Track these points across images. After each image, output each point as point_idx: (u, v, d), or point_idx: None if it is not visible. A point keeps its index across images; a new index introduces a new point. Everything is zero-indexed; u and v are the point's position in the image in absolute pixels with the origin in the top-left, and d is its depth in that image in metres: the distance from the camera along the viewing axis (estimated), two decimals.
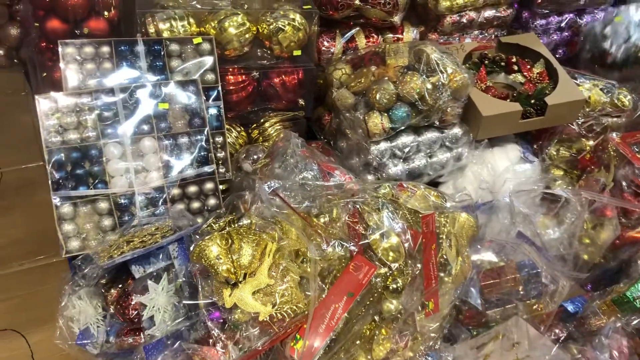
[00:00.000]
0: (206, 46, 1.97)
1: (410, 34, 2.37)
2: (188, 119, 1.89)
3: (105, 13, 1.89)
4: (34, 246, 2.03)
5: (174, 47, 1.93)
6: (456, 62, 2.11)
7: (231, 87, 2.08)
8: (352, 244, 1.29)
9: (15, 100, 2.57)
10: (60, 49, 1.79)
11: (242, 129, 2.23)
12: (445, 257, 1.44)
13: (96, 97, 1.78)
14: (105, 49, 1.85)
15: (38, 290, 2.01)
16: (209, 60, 1.97)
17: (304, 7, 2.12)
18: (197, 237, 1.38)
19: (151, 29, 1.97)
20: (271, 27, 2.07)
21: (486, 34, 2.52)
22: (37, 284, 2.01)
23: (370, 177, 2.17)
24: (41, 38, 1.91)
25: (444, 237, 1.42)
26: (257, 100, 2.20)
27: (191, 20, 2.02)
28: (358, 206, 1.36)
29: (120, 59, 1.86)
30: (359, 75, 2.09)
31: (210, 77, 1.97)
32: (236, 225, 1.38)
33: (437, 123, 2.14)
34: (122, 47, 1.87)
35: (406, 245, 1.33)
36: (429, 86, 2.02)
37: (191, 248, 1.36)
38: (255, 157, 2.07)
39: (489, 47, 2.45)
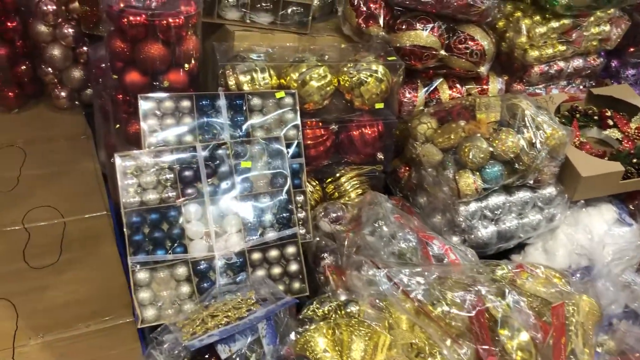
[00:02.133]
0: (288, 100, 1.87)
1: (496, 84, 2.23)
2: (270, 177, 1.77)
3: (186, 65, 1.80)
4: (100, 305, 1.91)
5: (256, 101, 1.83)
6: (553, 118, 1.96)
7: (309, 142, 1.97)
8: (483, 346, 1.14)
9: (76, 144, 2.50)
10: (140, 104, 1.70)
11: (317, 183, 2.11)
12: (573, 349, 1.27)
13: (177, 154, 1.68)
14: (186, 103, 1.76)
15: (105, 355, 1.89)
16: (290, 115, 1.86)
17: (389, 58, 2.00)
18: (300, 327, 1.23)
19: (231, 82, 1.88)
20: (353, 79, 1.96)
21: (574, 85, 2.37)
22: (105, 348, 1.89)
23: (455, 239, 2.01)
24: (118, 90, 1.83)
25: (572, 327, 1.26)
26: (333, 153, 2.08)
27: (271, 72, 1.92)
28: (481, 293, 1.21)
29: (201, 113, 1.77)
30: (447, 131, 1.95)
31: (292, 132, 1.86)
32: (343, 312, 1.24)
33: (531, 182, 1.98)
34: (203, 102, 1.77)
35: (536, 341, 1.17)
36: (526, 144, 1.87)
37: (292, 336, 1.22)
38: (333, 215, 1.94)
39: (578, 98, 2.29)
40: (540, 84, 2.31)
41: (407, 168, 2.25)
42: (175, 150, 1.68)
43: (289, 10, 2.08)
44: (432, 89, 2.18)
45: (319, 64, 1.94)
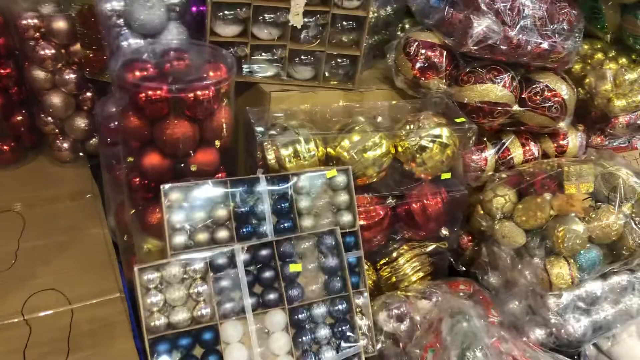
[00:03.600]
0: (341, 179, 1.53)
1: (575, 140, 1.89)
2: (324, 280, 1.44)
3: (217, 142, 1.48)
4: None
5: (303, 182, 1.50)
6: None
7: (362, 222, 1.63)
8: None
9: (82, 205, 2.17)
10: (163, 196, 1.37)
11: (369, 265, 1.78)
12: None
13: (211, 259, 1.35)
14: (219, 190, 1.43)
15: None
16: (343, 197, 1.53)
17: (456, 120, 1.67)
18: None
19: (270, 156, 1.55)
20: (413, 145, 1.63)
21: None
22: None
23: (539, 332, 1.68)
24: (133, 172, 1.50)
25: None
26: (389, 230, 1.74)
27: (318, 141, 1.59)
28: None
29: (238, 202, 1.43)
30: (531, 207, 1.62)
31: (346, 218, 1.52)
32: None
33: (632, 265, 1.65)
34: (240, 188, 1.44)
35: None
36: (632, 224, 1.54)
37: None
38: (395, 312, 1.61)
39: None
40: (624, 135, 1.98)
41: (471, 238, 1.92)
42: (208, 253, 1.35)
43: (333, 63, 1.75)
44: (502, 148, 1.85)
45: (373, 129, 1.61)
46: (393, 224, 1.72)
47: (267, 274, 1.38)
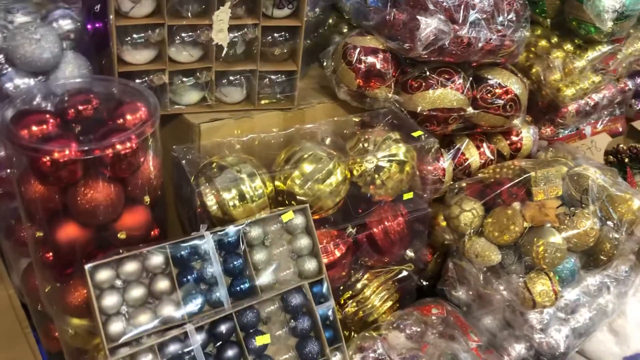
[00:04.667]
0: (298, 220, 1.32)
1: (529, 135, 1.79)
2: (296, 344, 1.24)
3: (146, 199, 1.21)
4: None
5: (256, 231, 1.27)
6: (621, 184, 1.55)
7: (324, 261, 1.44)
8: None
9: None
10: (88, 279, 1.10)
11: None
12: None
13: (160, 346, 1.11)
14: (157, 259, 1.17)
15: None
16: (304, 241, 1.32)
17: (414, 134, 1.50)
18: None
19: (211, 202, 1.31)
20: (369, 167, 1.45)
21: (602, 117, 1.98)
22: None
23: (520, 347, 1.58)
24: (45, 247, 1.21)
25: None
26: (350, 262, 1.56)
27: (264, 177, 1.37)
28: None
29: (182, 270, 1.19)
30: (501, 220, 1.48)
31: (310, 266, 1.32)
32: None
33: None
34: (182, 252, 1.19)
35: None
36: (606, 230, 1.45)
37: None
38: (372, 355, 1.44)
39: (616, 133, 1.90)
40: (573, 124, 1.90)
41: (432, 251, 1.79)
42: (156, 338, 1.11)
43: (266, 81, 1.51)
44: (457, 154, 1.71)
45: (325, 154, 1.41)
46: (355, 253, 1.54)
47: (230, 352, 1.16)
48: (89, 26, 1.47)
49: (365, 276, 1.62)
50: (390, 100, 1.59)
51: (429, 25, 1.45)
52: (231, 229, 1.25)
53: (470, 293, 1.67)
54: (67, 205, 1.13)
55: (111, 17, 1.28)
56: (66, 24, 1.32)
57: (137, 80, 1.39)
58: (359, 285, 1.61)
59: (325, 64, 1.64)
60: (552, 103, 1.84)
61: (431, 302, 1.66)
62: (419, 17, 1.45)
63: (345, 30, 1.94)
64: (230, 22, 1.36)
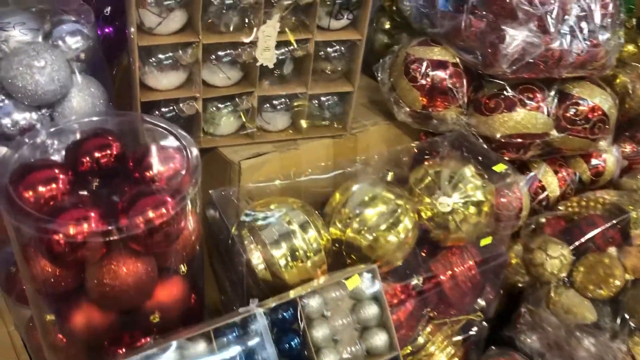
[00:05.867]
0: (366, 284, 1.08)
1: (612, 156, 1.54)
2: None
3: (183, 268, 0.97)
4: None
5: (315, 301, 1.03)
6: None
7: None
8: None
9: None
10: None
11: None
12: None
13: None
14: (198, 347, 0.93)
15: None
16: (371, 309, 1.08)
17: (495, 168, 1.25)
18: None
19: (257, 261, 1.07)
20: (442, 211, 1.20)
21: None
22: None
23: None
24: (56, 330, 0.97)
25: None
26: (417, 320, 1.33)
27: (318, 224, 1.12)
28: None
29: (229, 355, 0.95)
30: (596, 270, 1.25)
31: (380, 340, 1.08)
32: None
33: None
34: (230, 336, 0.96)
35: None
36: None
37: None
38: None
39: None
40: None
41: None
42: None
43: (315, 102, 1.26)
44: (534, 181, 1.46)
45: (391, 196, 1.16)
46: (421, 308, 1.31)
47: None
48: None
49: (428, 329, 1.39)
50: (460, 122, 1.33)
51: (517, 37, 1.19)
52: (286, 301, 1.01)
53: (547, 342, 1.44)
54: (86, 287, 0.89)
55: (132, 33, 1.01)
56: (75, 42, 1.05)
57: (163, 109, 1.13)
58: (420, 340, 1.38)
59: (380, 78, 1.38)
60: (635, 118, 1.59)
61: (500, 354, 1.44)
62: (504, 27, 1.19)
63: (387, 27, 1.68)
64: (278, 37, 1.10)
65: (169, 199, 0.87)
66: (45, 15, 1.08)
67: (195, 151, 0.94)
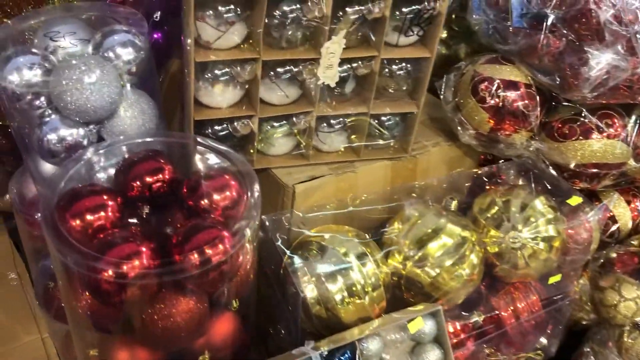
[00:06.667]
0: (429, 326, 1.00)
1: None
2: None
3: (234, 304, 0.90)
4: None
5: (374, 346, 0.95)
6: None
7: None
8: None
9: (4, 295, 1.56)
10: None
11: None
12: None
13: None
14: None
15: None
16: (433, 354, 1.00)
17: (569, 201, 1.15)
18: None
19: (311, 294, 0.99)
20: (512, 246, 1.11)
21: None
22: None
23: None
24: None
25: None
26: (474, 354, 1.24)
27: (376, 255, 1.04)
28: None
29: None
30: None
31: None
32: None
33: None
34: None
35: None
36: None
37: None
38: None
39: None
40: None
41: None
42: None
43: (375, 121, 1.17)
44: (604, 212, 1.35)
45: (457, 229, 1.07)
46: (481, 348, 1.22)
47: None
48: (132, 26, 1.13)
49: None
50: (530, 147, 1.23)
51: (601, 60, 1.08)
52: (343, 344, 0.93)
53: None
54: (133, 324, 0.82)
55: (189, 47, 0.94)
56: (127, 54, 0.98)
57: (216, 127, 1.06)
58: None
59: (443, 96, 1.28)
60: None
61: None
62: (587, 48, 1.08)
63: (444, 36, 1.59)
64: (342, 54, 1.01)
65: (227, 234, 0.79)
66: (95, 24, 1.01)
67: (254, 180, 0.87)
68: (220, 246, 0.78)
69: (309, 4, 0.95)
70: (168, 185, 0.88)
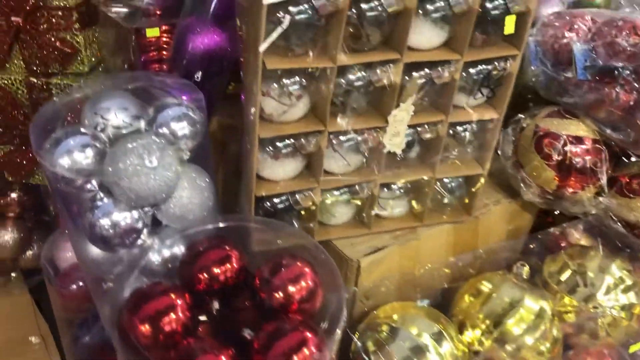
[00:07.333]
0: None
1: None
2: None
3: None
4: None
5: None
6: None
7: None
8: None
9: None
10: None
11: None
12: None
13: None
14: None
15: None
16: None
17: None
18: None
19: None
20: (591, 314, 1.04)
21: None
22: None
23: None
24: None
25: None
26: None
27: (452, 332, 0.96)
28: None
29: None
30: None
31: None
32: None
33: None
34: None
35: None
36: None
37: None
38: None
39: None
40: None
41: None
42: None
43: (438, 185, 1.10)
44: None
45: (534, 303, 0.99)
46: None
47: None
48: (184, 97, 1.07)
49: None
50: (598, 205, 1.16)
51: None
52: None
53: None
54: None
55: (253, 123, 0.87)
56: (181, 129, 0.91)
57: (275, 200, 0.99)
58: None
59: (501, 151, 1.22)
60: None
61: None
62: None
63: None
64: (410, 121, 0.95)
65: (310, 336, 0.72)
66: (146, 98, 0.95)
67: (333, 269, 0.80)
68: (306, 351, 0.70)
69: (378, 71, 0.88)
70: (237, 276, 0.81)
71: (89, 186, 0.88)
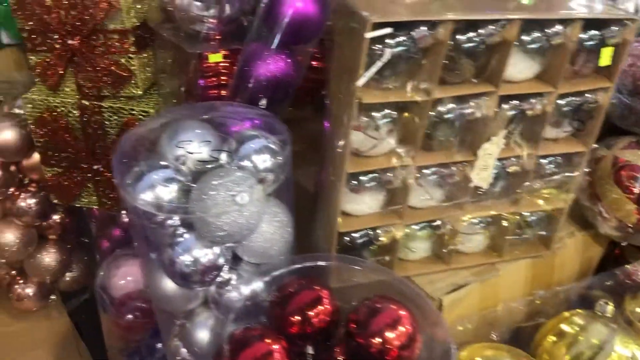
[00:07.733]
0: None
1: None
2: None
3: None
4: None
5: None
6: None
7: None
8: None
9: None
10: None
11: None
12: None
13: None
14: None
15: None
16: None
17: None
18: None
19: None
20: None
21: None
22: None
23: None
24: None
25: None
26: None
27: None
28: None
29: None
30: None
31: None
32: None
33: None
34: None
35: None
36: None
37: None
38: None
39: None
40: None
41: None
42: None
43: (518, 218, 1.05)
44: None
45: (628, 342, 0.95)
46: None
47: None
48: (247, 124, 1.03)
49: None
50: None
51: None
52: None
53: None
54: None
55: (342, 157, 0.84)
56: (263, 162, 0.88)
57: (354, 235, 0.95)
58: None
59: (579, 188, 1.17)
60: None
61: None
62: None
63: None
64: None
65: None
66: (226, 130, 0.92)
67: (432, 311, 0.76)
68: None
69: (472, 103, 0.85)
70: (330, 317, 0.77)
71: (170, 221, 0.85)
